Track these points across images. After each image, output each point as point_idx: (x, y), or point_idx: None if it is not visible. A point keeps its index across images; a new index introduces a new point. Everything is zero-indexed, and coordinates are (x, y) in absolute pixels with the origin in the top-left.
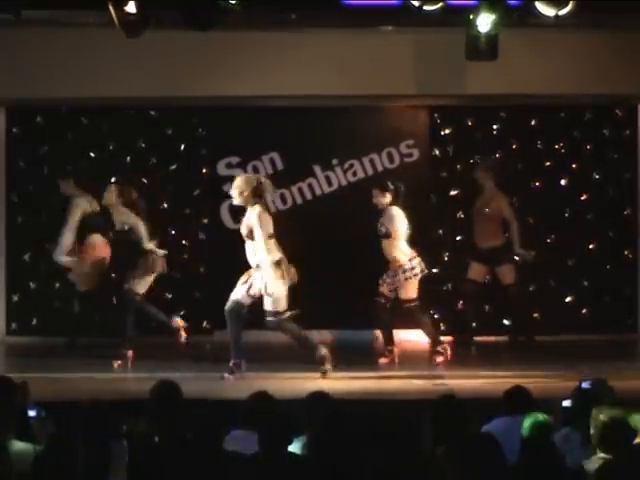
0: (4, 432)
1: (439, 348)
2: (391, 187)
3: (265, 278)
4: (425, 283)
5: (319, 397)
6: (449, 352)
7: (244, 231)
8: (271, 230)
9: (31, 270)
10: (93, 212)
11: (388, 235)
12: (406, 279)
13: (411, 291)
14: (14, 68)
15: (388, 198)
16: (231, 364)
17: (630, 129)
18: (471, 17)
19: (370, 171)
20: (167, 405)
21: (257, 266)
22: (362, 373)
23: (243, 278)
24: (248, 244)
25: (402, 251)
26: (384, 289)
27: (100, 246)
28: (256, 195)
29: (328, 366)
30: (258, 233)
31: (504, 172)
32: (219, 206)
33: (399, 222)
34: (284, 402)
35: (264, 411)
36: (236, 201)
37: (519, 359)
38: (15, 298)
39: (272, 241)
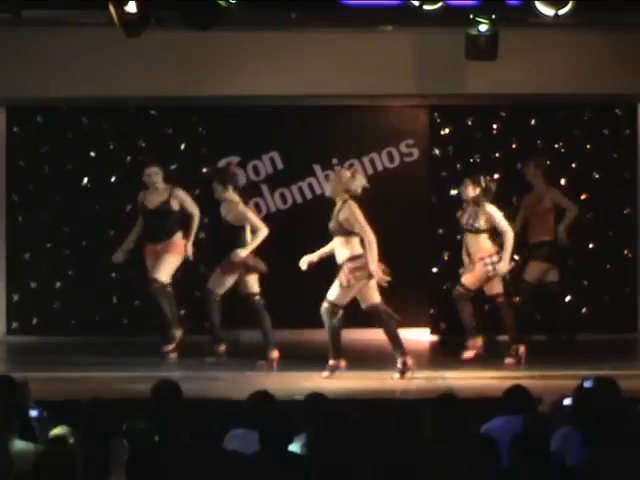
0: (5, 431)
1: (512, 350)
2: (482, 183)
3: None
4: (427, 282)
5: (317, 398)
6: (522, 354)
7: (333, 225)
8: None
9: (31, 270)
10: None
11: (479, 230)
12: (489, 273)
13: (496, 286)
14: (14, 68)
15: (477, 192)
16: (330, 363)
17: (630, 129)
18: (471, 17)
19: (370, 170)
20: (167, 405)
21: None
22: (362, 373)
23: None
24: (336, 240)
25: (486, 245)
26: (467, 280)
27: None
28: (348, 190)
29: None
30: (360, 226)
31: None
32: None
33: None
34: (284, 401)
35: (264, 410)
36: (328, 193)
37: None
38: (15, 297)
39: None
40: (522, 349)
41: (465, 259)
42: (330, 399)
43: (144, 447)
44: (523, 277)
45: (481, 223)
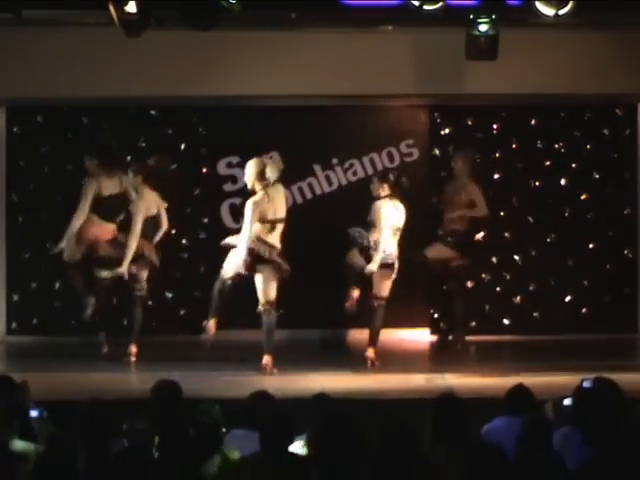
0: (5, 431)
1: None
2: (391, 179)
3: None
4: (427, 282)
5: (321, 398)
6: (371, 357)
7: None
8: (267, 216)
9: (31, 270)
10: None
11: (371, 225)
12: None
13: (384, 289)
14: (14, 68)
15: (385, 190)
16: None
17: (630, 129)
18: (471, 17)
19: (370, 170)
20: (167, 405)
21: None
22: (362, 373)
23: None
24: None
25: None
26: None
27: (92, 227)
28: (262, 179)
29: None
30: (245, 215)
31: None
32: (219, 205)
33: (383, 216)
34: (284, 402)
35: (264, 410)
36: (248, 185)
37: (519, 359)
38: (15, 297)
39: (263, 226)
40: (371, 352)
41: None
42: (336, 399)
43: (132, 448)
44: (425, 254)
45: (373, 219)
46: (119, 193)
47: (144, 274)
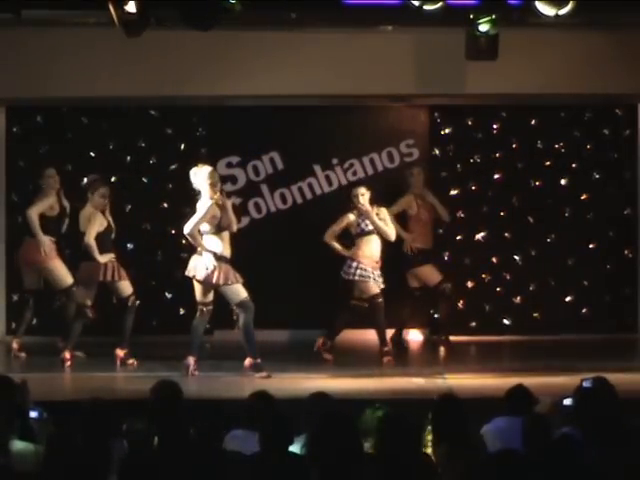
0: (5, 431)
1: (387, 348)
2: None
3: None
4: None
5: (319, 397)
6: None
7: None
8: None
9: None
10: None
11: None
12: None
13: (373, 288)
14: (14, 68)
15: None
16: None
17: (630, 129)
18: (471, 17)
19: (370, 171)
20: (167, 405)
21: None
22: (362, 373)
23: None
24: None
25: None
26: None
27: (27, 249)
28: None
29: None
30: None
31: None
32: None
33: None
34: (284, 402)
35: (264, 411)
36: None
37: (519, 358)
38: (15, 298)
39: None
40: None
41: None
42: (334, 399)
43: (140, 450)
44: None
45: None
46: None
47: (122, 288)
